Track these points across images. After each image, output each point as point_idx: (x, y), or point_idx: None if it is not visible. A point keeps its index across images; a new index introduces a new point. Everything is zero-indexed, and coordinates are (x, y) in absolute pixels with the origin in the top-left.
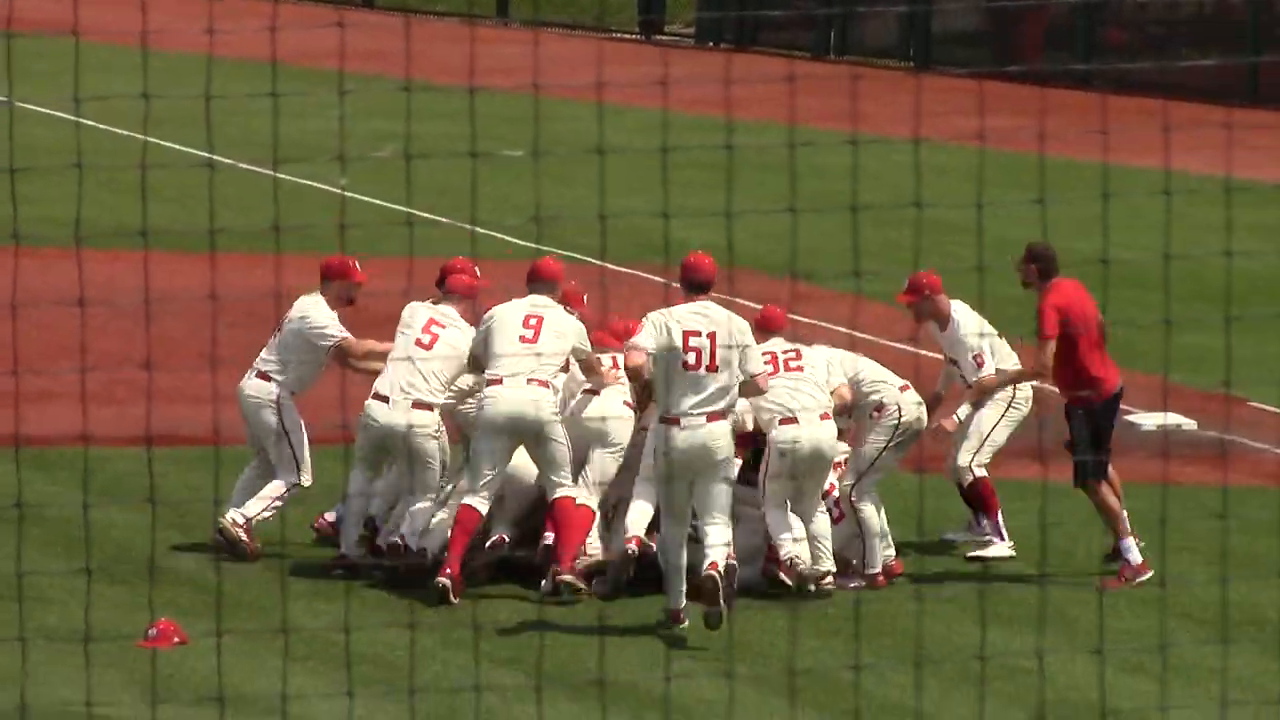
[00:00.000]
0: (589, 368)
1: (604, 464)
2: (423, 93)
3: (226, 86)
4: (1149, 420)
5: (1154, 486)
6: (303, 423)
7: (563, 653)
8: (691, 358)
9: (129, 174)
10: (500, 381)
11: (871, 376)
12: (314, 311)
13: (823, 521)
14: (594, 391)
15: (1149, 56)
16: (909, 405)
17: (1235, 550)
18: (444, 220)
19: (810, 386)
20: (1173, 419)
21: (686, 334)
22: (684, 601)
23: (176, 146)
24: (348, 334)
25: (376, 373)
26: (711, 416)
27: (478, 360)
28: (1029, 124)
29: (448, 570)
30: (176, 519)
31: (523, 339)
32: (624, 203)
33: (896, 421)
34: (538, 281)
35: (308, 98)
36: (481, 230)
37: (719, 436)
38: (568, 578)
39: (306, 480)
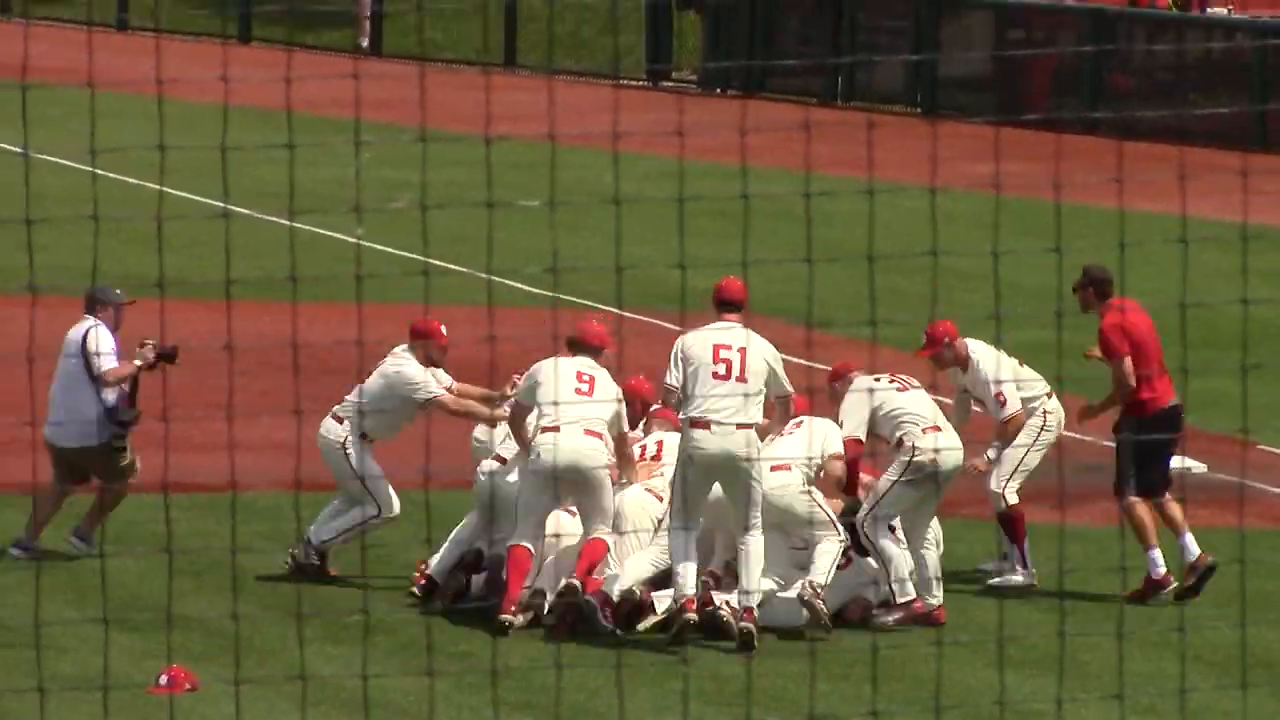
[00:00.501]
0: (620, 449)
1: (594, 500)
2: (434, 142)
3: (239, 136)
4: None
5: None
6: (375, 465)
7: (579, 697)
8: (722, 369)
9: (140, 223)
10: (557, 429)
11: (903, 414)
12: (407, 368)
13: (824, 545)
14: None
15: (1157, 103)
16: (926, 447)
17: (1250, 593)
18: (458, 269)
19: (787, 446)
20: (1185, 461)
21: (717, 347)
22: (693, 590)
23: (189, 196)
24: (442, 392)
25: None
26: (741, 425)
27: (519, 410)
28: (1040, 170)
29: (513, 609)
30: (187, 565)
31: (578, 390)
32: (638, 250)
33: (909, 459)
34: (582, 346)
35: (319, 147)
36: (497, 279)
37: (748, 445)
38: (579, 585)
39: (392, 512)
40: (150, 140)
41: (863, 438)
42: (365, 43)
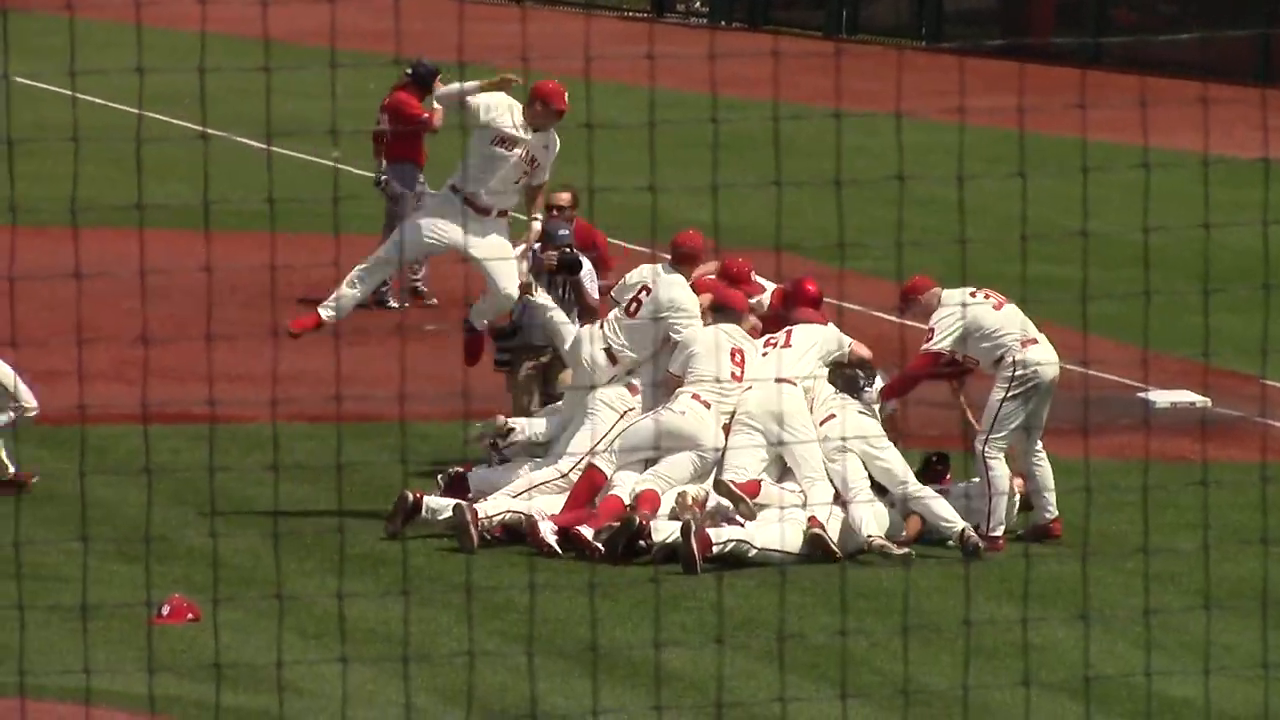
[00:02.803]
0: None
1: (680, 462)
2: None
3: (225, 65)
4: (1163, 398)
5: (1174, 463)
6: None
7: (580, 630)
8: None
9: (137, 152)
10: (701, 400)
11: (1000, 332)
12: None
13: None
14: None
15: (1160, 34)
16: (1029, 360)
17: (1244, 525)
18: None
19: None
20: (1188, 396)
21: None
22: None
23: (181, 123)
24: None
25: None
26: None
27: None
28: (1031, 102)
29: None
30: (191, 495)
31: (733, 375)
32: (626, 179)
33: (1012, 374)
34: (728, 311)
35: (309, 75)
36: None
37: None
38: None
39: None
40: (139, 68)
41: (947, 352)
42: None
